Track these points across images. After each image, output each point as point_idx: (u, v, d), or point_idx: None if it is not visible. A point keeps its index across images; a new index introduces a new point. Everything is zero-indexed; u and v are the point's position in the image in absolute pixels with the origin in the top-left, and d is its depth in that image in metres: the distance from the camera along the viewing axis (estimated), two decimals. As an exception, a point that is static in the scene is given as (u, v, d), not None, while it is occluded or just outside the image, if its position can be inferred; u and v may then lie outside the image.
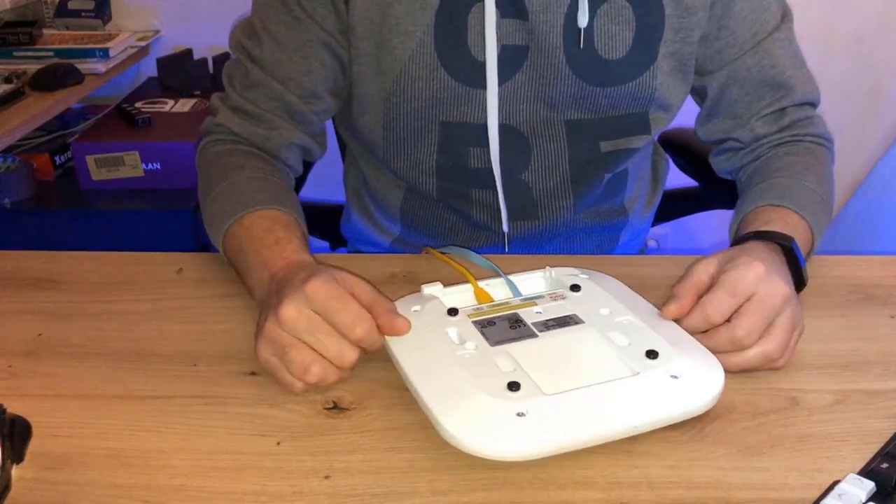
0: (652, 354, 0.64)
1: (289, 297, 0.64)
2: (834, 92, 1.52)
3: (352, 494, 0.57)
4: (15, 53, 1.78)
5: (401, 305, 0.71)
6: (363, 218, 1.10)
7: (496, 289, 0.76)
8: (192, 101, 1.83)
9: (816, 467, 0.60)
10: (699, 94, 0.98)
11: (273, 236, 0.76)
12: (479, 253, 0.85)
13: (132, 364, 0.71)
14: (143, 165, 1.65)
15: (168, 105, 1.82)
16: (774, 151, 0.93)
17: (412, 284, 0.81)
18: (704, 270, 0.71)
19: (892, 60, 2.04)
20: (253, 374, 0.70)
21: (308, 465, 0.60)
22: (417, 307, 0.71)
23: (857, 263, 0.88)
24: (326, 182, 1.33)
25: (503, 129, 0.91)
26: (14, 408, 0.61)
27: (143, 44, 1.93)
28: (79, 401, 0.67)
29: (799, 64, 0.94)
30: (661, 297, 0.72)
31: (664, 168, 1.15)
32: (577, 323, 0.69)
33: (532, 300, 0.72)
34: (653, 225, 1.17)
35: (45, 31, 1.90)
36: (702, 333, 0.68)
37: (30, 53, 1.78)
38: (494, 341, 0.66)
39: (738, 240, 0.79)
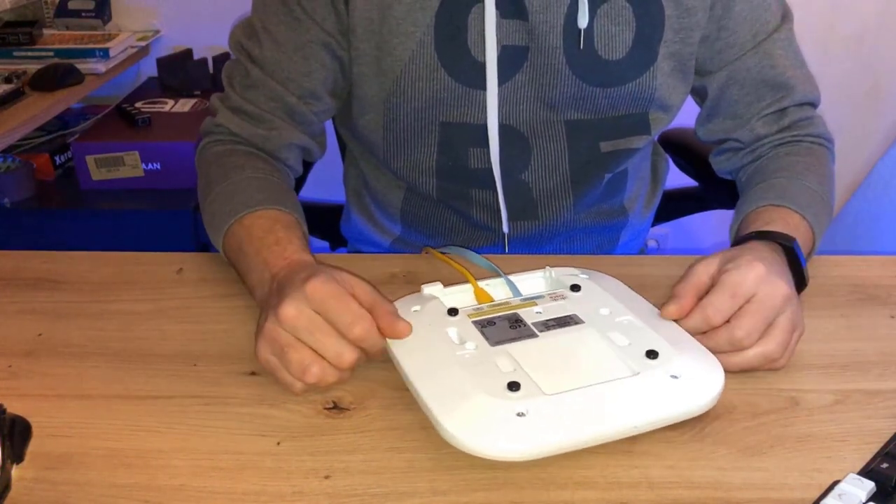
0: (652, 354, 0.64)
1: (289, 296, 0.64)
2: (834, 92, 1.52)
3: (352, 494, 0.57)
4: (15, 53, 1.78)
5: (401, 305, 0.71)
6: (363, 218, 1.10)
7: (496, 289, 0.76)
8: (192, 101, 1.83)
9: (816, 467, 0.60)
10: (699, 95, 0.98)
11: (274, 236, 0.76)
12: (479, 253, 0.85)
13: (132, 364, 0.71)
14: (143, 165, 1.65)
15: (168, 105, 1.82)
16: (775, 152, 0.93)
17: (412, 284, 0.81)
18: (705, 270, 0.71)
19: (892, 60, 2.04)
20: (253, 374, 0.70)
21: (308, 465, 0.60)
22: (417, 307, 0.71)
23: (857, 263, 0.88)
24: (326, 182, 1.33)
25: (503, 129, 0.91)
26: (14, 408, 0.61)
27: (143, 44, 1.93)
28: (79, 401, 0.67)
29: (799, 64, 0.94)
30: (661, 297, 0.72)
31: (664, 168, 1.15)
32: (577, 323, 0.69)
33: (532, 300, 0.72)
34: (653, 225, 1.17)
35: (45, 31, 1.90)
36: (702, 334, 0.68)
37: (30, 53, 1.78)
38: (494, 341, 0.66)
39: (739, 240, 0.79)
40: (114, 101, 1.85)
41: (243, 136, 0.90)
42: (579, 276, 0.76)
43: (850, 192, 1.88)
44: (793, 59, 0.93)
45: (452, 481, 0.58)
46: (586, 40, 0.86)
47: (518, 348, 0.65)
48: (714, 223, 1.68)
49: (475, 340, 0.66)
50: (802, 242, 0.78)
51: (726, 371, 0.64)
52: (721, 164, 1.00)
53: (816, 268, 0.82)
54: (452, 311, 0.70)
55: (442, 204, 1.00)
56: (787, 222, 0.80)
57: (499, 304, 0.72)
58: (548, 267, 0.78)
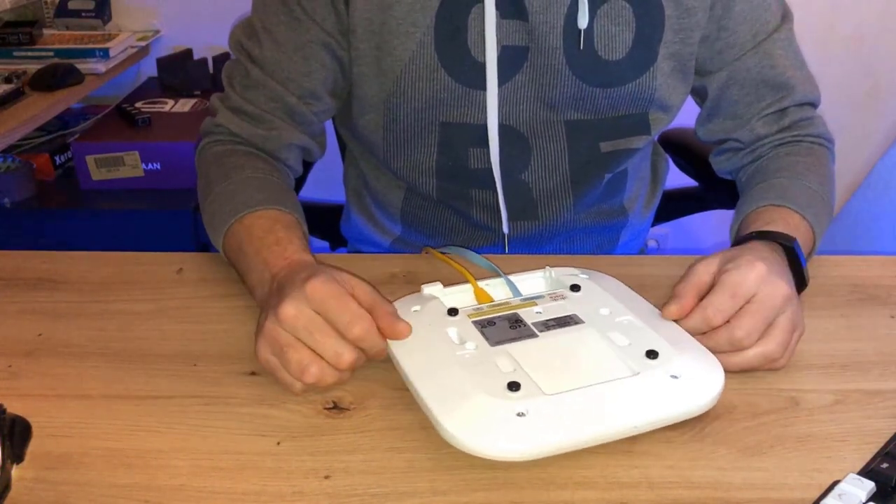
0: (652, 354, 0.64)
1: (289, 296, 0.64)
2: (834, 92, 1.52)
3: (352, 494, 0.57)
4: (15, 53, 1.78)
5: (401, 305, 0.71)
6: (363, 218, 1.10)
7: (496, 289, 0.76)
8: (192, 101, 1.83)
9: (816, 467, 0.60)
10: (699, 95, 0.98)
11: (274, 236, 0.76)
12: (479, 253, 0.85)
13: (132, 364, 0.71)
14: (143, 165, 1.65)
15: (168, 105, 1.82)
16: (775, 152, 0.93)
17: (412, 284, 0.81)
18: (705, 270, 0.71)
19: (892, 60, 2.04)
20: (253, 374, 0.70)
21: (308, 465, 0.60)
22: (417, 307, 0.71)
23: (857, 263, 0.88)
24: (326, 182, 1.33)
25: (503, 129, 0.91)
26: (14, 408, 0.61)
27: (143, 44, 1.93)
28: (79, 401, 0.67)
29: (799, 64, 0.94)
30: (661, 297, 0.72)
31: (664, 168, 1.15)
32: (577, 323, 0.69)
33: (532, 300, 0.72)
34: (653, 225, 1.17)
35: (45, 31, 1.90)
36: (702, 334, 0.68)
37: (30, 53, 1.78)
38: (494, 341, 0.66)
39: (740, 240, 0.79)
40: (114, 101, 1.85)
41: (243, 136, 0.90)
42: (579, 276, 0.76)
43: (850, 192, 1.88)
44: (793, 59, 0.93)
45: (452, 481, 0.58)
46: (586, 41, 0.86)
47: (518, 348, 0.65)
48: (714, 223, 1.68)
49: (475, 340, 0.66)
50: (803, 242, 0.78)
51: (726, 371, 0.64)
52: (721, 165, 1.00)
53: (816, 268, 0.82)
54: (452, 311, 0.70)
55: (442, 204, 1.00)
56: (787, 222, 0.80)
57: (499, 304, 0.72)
58: (548, 267, 0.78)
